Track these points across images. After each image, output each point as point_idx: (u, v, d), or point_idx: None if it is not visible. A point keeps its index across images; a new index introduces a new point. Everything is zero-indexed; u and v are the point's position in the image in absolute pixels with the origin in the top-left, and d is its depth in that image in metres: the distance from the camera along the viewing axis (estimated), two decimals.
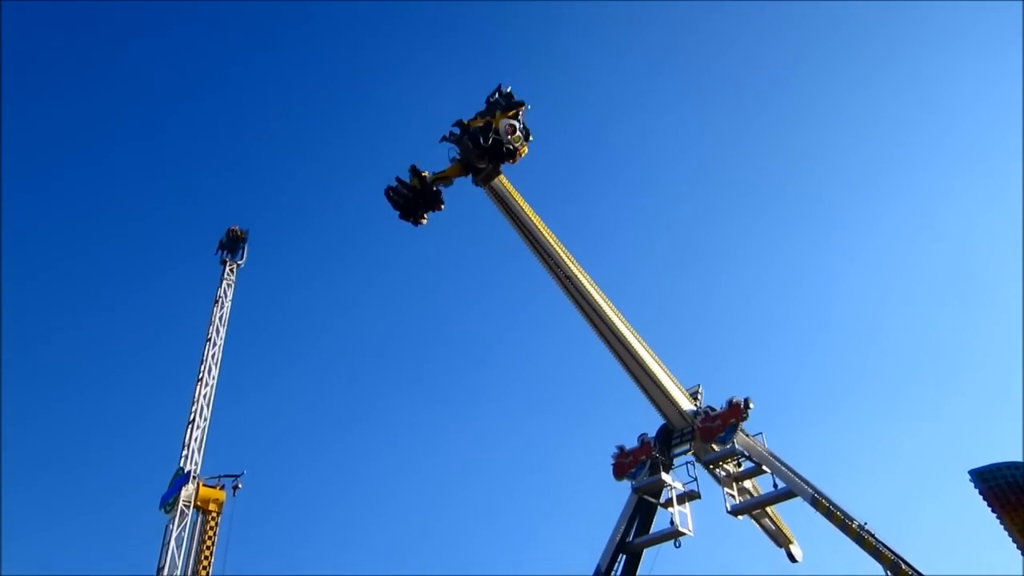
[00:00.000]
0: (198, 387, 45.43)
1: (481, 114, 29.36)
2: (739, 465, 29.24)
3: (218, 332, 47.77)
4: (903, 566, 23.26)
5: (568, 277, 29.36)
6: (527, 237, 29.78)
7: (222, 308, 48.94)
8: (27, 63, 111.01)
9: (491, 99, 29.43)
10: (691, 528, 28.58)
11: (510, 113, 28.89)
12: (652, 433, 30.76)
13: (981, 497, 21.77)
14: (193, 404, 44.66)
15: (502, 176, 29.23)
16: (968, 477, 22.01)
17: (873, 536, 24.32)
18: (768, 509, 29.86)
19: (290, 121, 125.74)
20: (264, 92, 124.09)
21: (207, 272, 52.81)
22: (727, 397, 29.47)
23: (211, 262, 51.61)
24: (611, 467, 30.99)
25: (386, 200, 30.15)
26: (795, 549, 31.46)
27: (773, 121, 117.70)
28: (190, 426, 43.79)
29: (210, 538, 40.47)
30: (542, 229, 29.71)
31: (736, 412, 28.75)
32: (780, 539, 31.44)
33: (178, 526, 40.13)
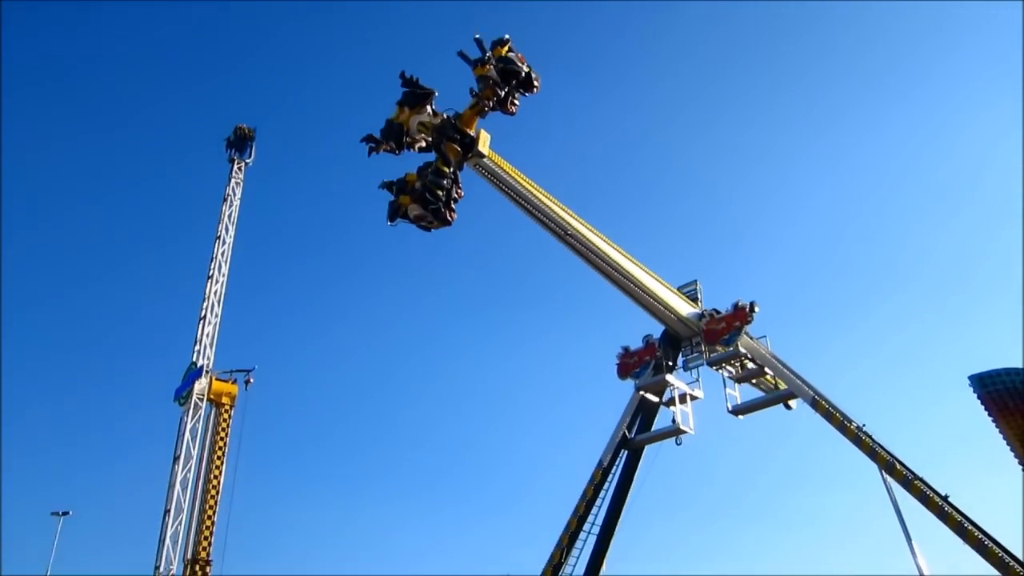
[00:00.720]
0: (209, 284, 45.87)
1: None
2: (742, 367, 29.57)
3: (227, 230, 47.88)
4: (898, 466, 23.77)
5: (571, 235, 26.62)
6: (525, 208, 26.01)
7: (231, 206, 48.89)
8: None
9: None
10: (692, 427, 29.21)
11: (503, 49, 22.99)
12: (657, 335, 31.01)
13: (979, 402, 22.05)
14: (204, 300, 45.20)
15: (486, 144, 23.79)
16: (968, 382, 22.28)
17: (870, 437, 24.80)
18: (768, 374, 29.36)
19: (304, 22, 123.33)
20: None
21: (216, 170, 52.72)
22: (732, 300, 29.55)
23: (219, 160, 51.41)
24: (615, 367, 31.40)
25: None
26: (792, 403, 30.05)
27: None
28: (202, 322, 44.43)
29: (223, 430, 41.59)
30: (540, 196, 25.97)
31: (741, 315, 28.92)
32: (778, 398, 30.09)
33: (192, 418, 41.20)
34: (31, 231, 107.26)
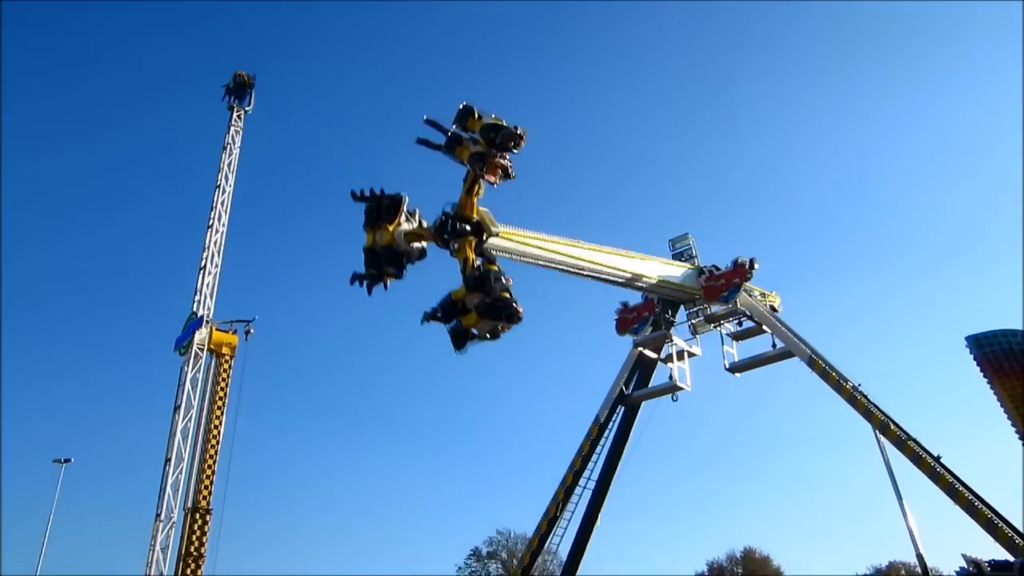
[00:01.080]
0: (209, 234, 45.67)
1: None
2: (740, 324, 29.47)
3: (227, 179, 47.48)
4: (892, 426, 23.83)
5: (585, 272, 25.20)
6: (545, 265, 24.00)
7: (230, 155, 48.41)
8: None
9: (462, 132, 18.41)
10: (689, 384, 29.25)
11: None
12: None
13: (975, 363, 21.99)
14: (204, 250, 45.06)
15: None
16: (964, 343, 22.20)
17: (866, 397, 24.81)
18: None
19: None
20: None
21: (216, 118, 52.12)
22: (732, 257, 29.28)
23: (219, 108, 50.76)
24: (614, 322, 31.31)
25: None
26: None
27: None
28: (202, 272, 44.34)
29: (224, 380, 41.74)
30: (556, 250, 24.10)
31: (741, 272, 28.74)
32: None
33: (192, 368, 41.34)
34: (31, 175, 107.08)
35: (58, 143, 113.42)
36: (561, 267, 24.06)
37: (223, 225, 46.11)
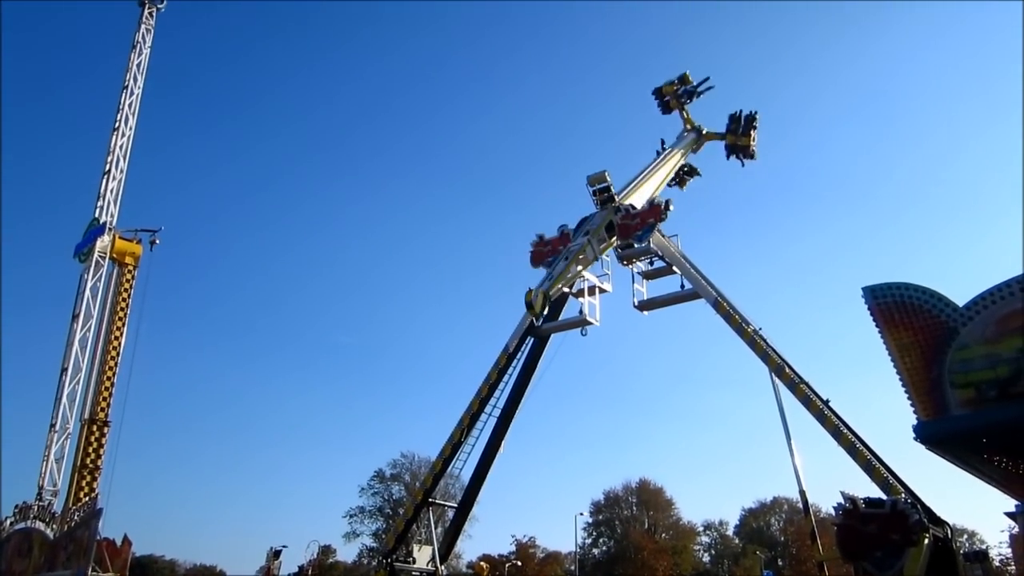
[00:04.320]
0: (114, 136, 43.65)
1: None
2: (651, 263, 29.89)
3: (135, 80, 45.22)
4: (787, 369, 24.74)
5: None
6: None
7: (140, 55, 46.03)
8: None
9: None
10: (598, 319, 29.66)
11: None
12: (572, 225, 30.98)
13: (869, 312, 22.85)
14: (109, 154, 43.08)
15: None
16: (860, 293, 23.01)
17: (765, 340, 25.64)
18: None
19: None
20: None
21: (126, 15, 49.38)
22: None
23: (130, 4, 47.88)
24: (529, 254, 31.31)
25: None
26: None
27: None
28: (105, 176, 42.49)
29: (126, 290, 40.53)
30: None
31: (655, 212, 29.05)
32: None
33: (93, 276, 39.93)
34: None
35: None
36: None
37: (130, 128, 44.16)
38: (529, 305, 26.38)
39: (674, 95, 37.71)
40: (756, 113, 37.43)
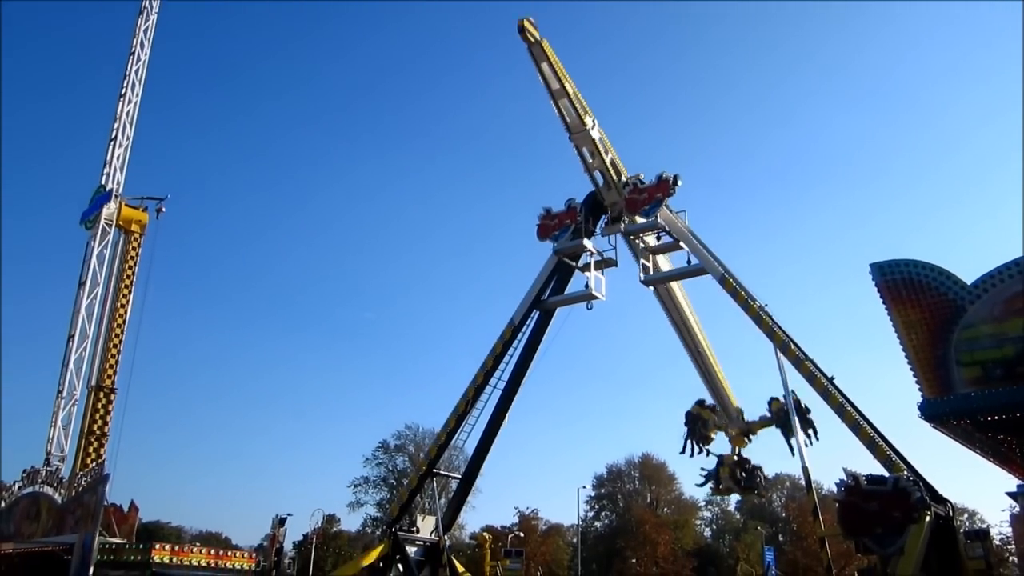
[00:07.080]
0: (121, 103, 43.45)
1: None
2: (659, 239, 29.78)
3: (143, 46, 44.92)
4: (792, 346, 24.71)
5: None
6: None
7: (147, 20, 45.67)
8: None
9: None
10: (604, 293, 29.60)
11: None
12: (580, 198, 30.85)
13: (876, 289, 22.77)
14: (115, 120, 42.93)
15: None
16: (868, 270, 22.93)
17: (770, 317, 25.58)
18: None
19: None
20: None
21: None
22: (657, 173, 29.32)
23: None
24: (536, 228, 31.24)
25: None
26: None
27: None
28: (112, 143, 42.38)
29: (132, 258, 40.57)
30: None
31: (664, 187, 28.85)
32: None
33: (100, 243, 39.95)
34: None
35: None
36: None
37: (136, 96, 43.93)
38: None
39: None
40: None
